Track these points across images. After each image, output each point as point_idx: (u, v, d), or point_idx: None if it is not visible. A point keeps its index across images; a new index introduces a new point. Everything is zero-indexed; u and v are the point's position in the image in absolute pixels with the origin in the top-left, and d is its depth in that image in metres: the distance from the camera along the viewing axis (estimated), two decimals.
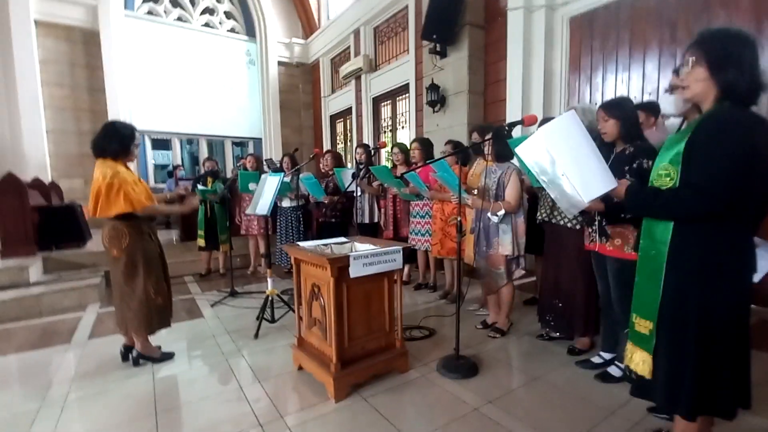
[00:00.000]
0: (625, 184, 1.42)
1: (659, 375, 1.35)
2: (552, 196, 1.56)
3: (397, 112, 6.82)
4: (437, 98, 5.06)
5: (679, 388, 1.28)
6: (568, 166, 1.38)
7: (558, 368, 2.34)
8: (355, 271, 1.96)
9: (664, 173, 1.30)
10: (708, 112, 1.26)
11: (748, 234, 1.25)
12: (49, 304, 3.73)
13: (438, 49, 4.94)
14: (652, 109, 2.59)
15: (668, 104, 2.27)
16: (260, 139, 8.98)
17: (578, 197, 1.38)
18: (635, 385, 1.48)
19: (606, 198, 1.74)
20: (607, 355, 2.29)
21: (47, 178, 6.44)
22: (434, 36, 4.80)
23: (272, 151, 8.82)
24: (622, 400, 1.94)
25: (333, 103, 8.59)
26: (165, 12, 7.90)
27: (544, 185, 1.58)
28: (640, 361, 1.41)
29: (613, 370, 2.17)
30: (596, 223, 2.07)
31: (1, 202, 4.18)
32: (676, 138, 1.31)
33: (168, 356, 2.56)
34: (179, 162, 8.12)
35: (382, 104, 7.15)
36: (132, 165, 7.95)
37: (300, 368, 2.34)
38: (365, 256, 2.00)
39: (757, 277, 1.42)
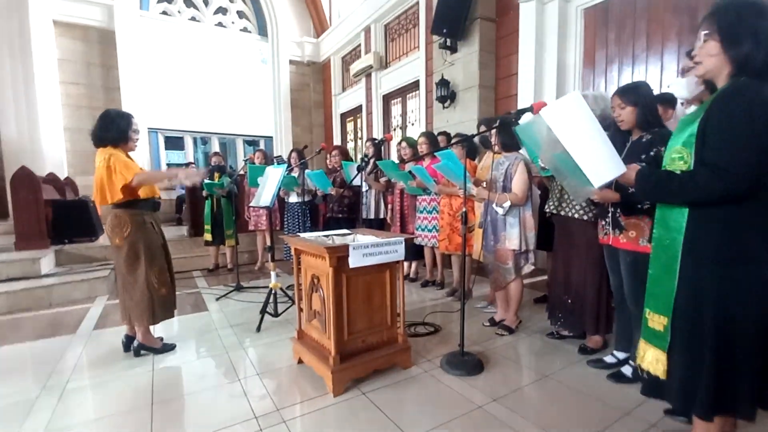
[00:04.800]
0: (635, 168, 1.32)
1: (675, 374, 1.25)
2: (559, 182, 1.47)
3: (408, 110, 6.75)
4: (447, 94, 4.97)
5: (695, 387, 1.18)
6: (574, 150, 1.28)
7: (568, 367, 2.24)
8: (355, 261, 1.90)
9: (677, 156, 1.21)
10: (722, 88, 1.16)
11: None
12: (58, 296, 3.78)
13: (448, 44, 4.86)
14: (668, 101, 2.45)
15: (680, 88, 2.15)
16: (271, 137, 9.02)
17: (586, 183, 1.29)
18: (647, 383, 1.39)
19: (621, 187, 1.64)
20: (621, 355, 2.17)
21: (64, 174, 6.58)
22: (444, 30, 4.72)
23: (283, 149, 8.83)
24: (637, 401, 1.83)
25: (343, 101, 8.57)
26: (179, 12, 8.02)
27: (550, 170, 1.49)
28: (653, 359, 1.32)
29: (627, 370, 2.05)
30: (609, 214, 1.96)
31: (15, 195, 4.27)
32: (688, 119, 1.21)
33: (169, 348, 2.54)
34: (191, 160, 8.20)
35: (393, 102, 7.10)
36: (146, 163, 7.97)
37: (300, 362, 2.29)
38: (365, 246, 1.93)
39: None
